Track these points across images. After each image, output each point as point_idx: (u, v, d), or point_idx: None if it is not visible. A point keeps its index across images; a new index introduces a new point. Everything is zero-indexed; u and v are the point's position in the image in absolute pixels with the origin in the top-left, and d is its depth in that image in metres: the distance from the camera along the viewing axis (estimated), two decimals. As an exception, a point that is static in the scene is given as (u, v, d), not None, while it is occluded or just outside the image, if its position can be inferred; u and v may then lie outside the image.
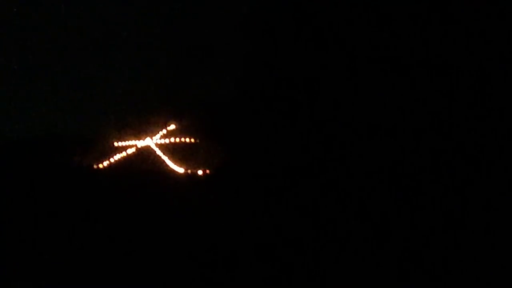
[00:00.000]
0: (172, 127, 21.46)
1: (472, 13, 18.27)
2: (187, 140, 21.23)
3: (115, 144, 21.46)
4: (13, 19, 21.00)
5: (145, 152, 21.38)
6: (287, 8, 19.76)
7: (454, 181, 18.04)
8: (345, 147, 19.14)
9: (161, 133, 21.50)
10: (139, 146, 21.45)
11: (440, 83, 18.51)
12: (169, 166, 21.02)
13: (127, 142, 21.47)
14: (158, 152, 21.28)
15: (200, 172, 20.63)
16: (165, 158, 21.16)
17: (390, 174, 18.48)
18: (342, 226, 18.63)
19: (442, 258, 17.61)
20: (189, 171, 20.79)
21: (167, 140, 21.38)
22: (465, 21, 18.37)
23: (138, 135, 21.46)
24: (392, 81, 18.73)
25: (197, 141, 21.16)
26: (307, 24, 19.48)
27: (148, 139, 21.46)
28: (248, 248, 18.93)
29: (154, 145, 21.40)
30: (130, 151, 21.41)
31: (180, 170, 20.86)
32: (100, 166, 21.08)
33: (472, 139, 18.07)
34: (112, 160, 21.21)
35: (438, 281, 17.40)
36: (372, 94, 18.92)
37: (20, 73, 21.12)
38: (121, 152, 21.35)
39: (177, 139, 21.30)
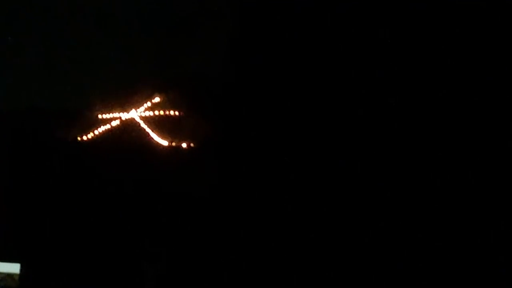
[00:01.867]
0: (157, 99, 21.41)
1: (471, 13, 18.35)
2: (172, 113, 21.20)
3: (99, 116, 21.41)
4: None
5: (129, 125, 21.33)
6: None
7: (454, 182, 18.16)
8: (327, 126, 19.21)
9: (145, 105, 21.44)
10: (123, 118, 21.40)
11: (438, 84, 18.60)
12: (153, 138, 21.00)
13: (111, 114, 21.42)
14: (143, 124, 21.23)
15: (184, 145, 20.65)
16: (149, 130, 21.12)
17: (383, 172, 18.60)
18: (322, 205, 18.77)
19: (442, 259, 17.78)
20: (173, 144, 20.78)
21: (151, 113, 21.34)
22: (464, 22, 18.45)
23: (123, 107, 21.41)
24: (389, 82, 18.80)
25: (182, 114, 21.12)
26: (295, 4, 19.49)
27: (132, 111, 21.39)
28: (232, 220, 19.04)
29: (138, 117, 21.35)
30: (114, 123, 21.37)
31: (164, 142, 20.85)
32: (84, 138, 21.06)
33: (472, 140, 18.17)
34: (96, 132, 21.19)
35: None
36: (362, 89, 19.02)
37: (2, 46, 21.11)
38: (106, 124, 21.31)
39: (162, 112, 21.26)
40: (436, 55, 18.76)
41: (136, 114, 21.36)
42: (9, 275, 18.43)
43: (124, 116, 21.36)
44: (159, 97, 21.33)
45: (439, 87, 18.66)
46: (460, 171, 18.20)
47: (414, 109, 18.76)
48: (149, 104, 21.37)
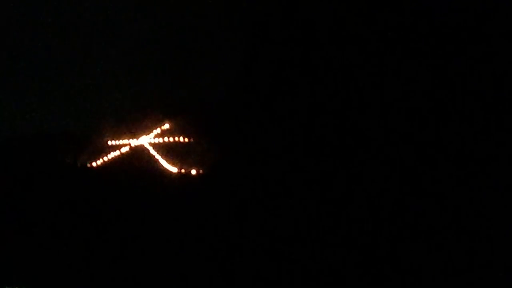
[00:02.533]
0: (166, 126, 21.48)
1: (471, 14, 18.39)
2: (181, 139, 21.24)
3: (109, 142, 21.47)
4: (10, 17, 21.16)
5: (139, 151, 21.38)
6: (281, 11, 19.81)
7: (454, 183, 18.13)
8: (339, 149, 19.18)
9: (155, 132, 21.51)
10: (133, 145, 21.46)
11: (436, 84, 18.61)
12: (162, 165, 21.02)
13: (121, 140, 21.48)
14: (152, 151, 21.29)
15: (193, 172, 20.63)
16: (158, 157, 21.16)
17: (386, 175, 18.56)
18: (336, 227, 18.70)
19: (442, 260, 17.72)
20: (182, 170, 20.78)
21: (161, 139, 21.40)
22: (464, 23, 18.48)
23: (132, 134, 21.47)
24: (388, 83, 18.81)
25: (191, 140, 21.17)
26: (300, 26, 19.53)
27: (142, 138, 21.46)
28: (243, 247, 18.97)
29: (148, 144, 21.41)
30: (124, 149, 21.42)
31: (174, 169, 20.86)
32: (94, 164, 21.09)
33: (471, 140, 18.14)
34: (106, 158, 21.22)
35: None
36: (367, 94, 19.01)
37: (13, 72, 21.22)
38: (115, 151, 21.36)
39: (171, 139, 21.31)
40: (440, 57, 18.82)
41: (146, 140, 21.40)
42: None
43: (134, 142, 21.40)
44: (169, 124, 21.39)
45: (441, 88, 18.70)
46: (460, 172, 18.20)
47: (415, 110, 18.78)
48: (158, 130, 21.42)
